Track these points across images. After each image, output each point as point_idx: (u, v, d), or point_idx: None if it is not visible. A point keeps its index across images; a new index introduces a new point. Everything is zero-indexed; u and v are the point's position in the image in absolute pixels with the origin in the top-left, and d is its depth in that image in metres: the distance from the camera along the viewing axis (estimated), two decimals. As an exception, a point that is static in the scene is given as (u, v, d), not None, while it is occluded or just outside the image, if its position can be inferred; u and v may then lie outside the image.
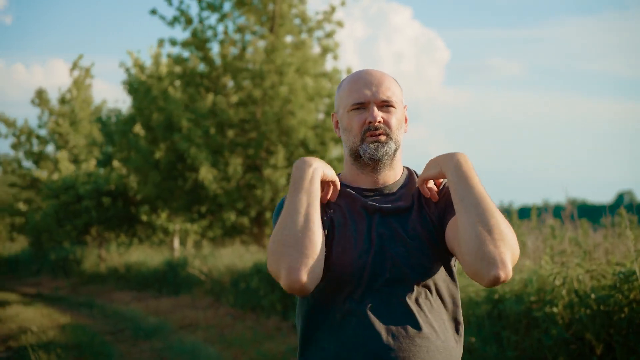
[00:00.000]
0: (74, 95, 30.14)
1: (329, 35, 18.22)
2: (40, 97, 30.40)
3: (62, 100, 30.00)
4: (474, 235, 2.35)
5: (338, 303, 2.53)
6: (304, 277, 2.40)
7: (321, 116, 17.85)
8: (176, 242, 22.81)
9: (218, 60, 18.00)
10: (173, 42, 18.03)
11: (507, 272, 2.32)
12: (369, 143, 2.63)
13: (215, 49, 18.85)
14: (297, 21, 18.09)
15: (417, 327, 2.47)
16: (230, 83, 18.24)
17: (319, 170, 2.57)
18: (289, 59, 16.80)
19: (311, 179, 2.54)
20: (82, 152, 28.93)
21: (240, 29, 17.68)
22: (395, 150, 2.67)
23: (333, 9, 18.07)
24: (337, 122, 2.79)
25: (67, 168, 26.17)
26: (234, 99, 17.93)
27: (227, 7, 18.07)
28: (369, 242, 2.55)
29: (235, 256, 15.38)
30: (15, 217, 30.81)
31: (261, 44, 17.73)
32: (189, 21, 17.93)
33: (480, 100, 72.84)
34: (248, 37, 17.83)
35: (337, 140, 17.23)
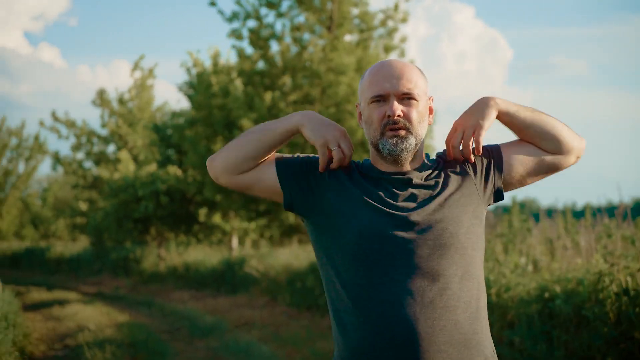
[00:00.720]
0: (133, 96, 30.42)
1: (391, 32, 17.99)
2: (101, 98, 30.71)
3: (120, 101, 30.29)
4: (557, 127, 2.68)
5: None
6: (217, 162, 2.70)
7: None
8: (234, 242, 22.87)
9: (278, 58, 17.95)
10: (238, 36, 18.00)
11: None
12: (388, 138, 2.60)
13: (274, 47, 18.79)
14: (356, 21, 17.91)
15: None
16: (288, 82, 18.18)
17: (302, 127, 2.65)
18: (347, 59, 16.66)
19: (287, 131, 2.67)
20: (141, 152, 29.19)
21: (298, 28, 17.61)
22: (416, 145, 2.63)
23: (396, 7, 17.85)
24: (360, 114, 2.75)
25: (127, 168, 26.43)
26: (292, 97, 17.87)
27: (285, 5, 17.99)
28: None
29: (292, 256, 15.35)
30: (76, 217, 31.25)
31: (320, 42, 17.63)
32: (247, 16, 17.90)
33: (543, 99, 71.86)
34: (306, 35, 17.75)
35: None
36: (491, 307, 7.20)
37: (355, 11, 17.78)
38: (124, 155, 26.96)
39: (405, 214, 2.53)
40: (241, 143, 2.68)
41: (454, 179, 2.64)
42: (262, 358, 9.18)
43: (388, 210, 2.54)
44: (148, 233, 24.64)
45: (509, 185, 2.73)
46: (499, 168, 2.69)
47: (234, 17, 18.05)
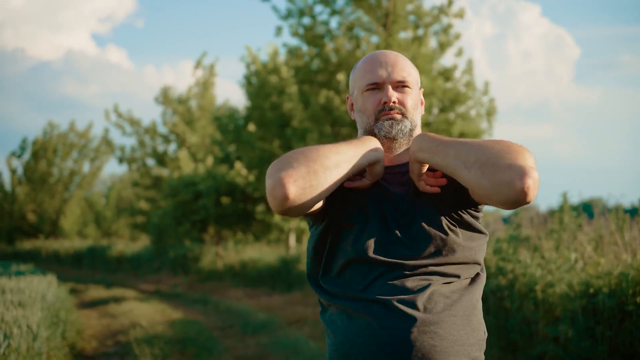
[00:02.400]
0: (193, 94, 30.63)
1: (446, 29, 17.74)
2: (164, 96, 30.93)
3: (180, 100, 30.52)
4: (483, 162, 2.26)
5: None
6: (290, 186, 2.27)
7: (435, 112, 17.37)
8: (292, 240, 22.88)
9: (333, 56, 17.85)
10: (294, 32, 17.98)
11: (533, 176, 2.18)
12: (383, 121, 2.56)
13: (329, 44, 18.69)
14: (412, 17, 17.71)
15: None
16: (343, 79, 18.08)
17: (377, 157, 2.46)
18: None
19: (368, 156, 2.45)
20: (199, 150, 29.38)
21: (352, 25, 17.50)
22: (411, 130, 2.59)
23: (450, 2, 17.59)
24: (351, 105, 2.73)
25: (187, 166, 26.65)
26: (347, 95, 17.73)
27: (340, 2, 17.88)
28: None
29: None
30: (137, 216, 31.62)
31: (374, 39, 17.49)
32: (301, 13, 17.84)
33: (610, 98, 70.69)
34: (360, 33, 17.61)
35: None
36: (536, 303, 7.09)
37: (410, 7, 17.58)
38: (183, 154, 27.18)
39: (397, 222, 2.47)
40: (326, 179, 2.36)
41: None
42: (310, 355, 9.14)
43: (385, 224, 2.47)
44: (206, 232, 24.79)
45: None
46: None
47: (288, 14, 18.02)
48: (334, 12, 17.64)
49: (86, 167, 44.23)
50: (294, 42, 18.31)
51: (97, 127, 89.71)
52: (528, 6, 78.63)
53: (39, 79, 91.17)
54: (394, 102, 2.55)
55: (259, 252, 21.62)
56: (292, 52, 18.23)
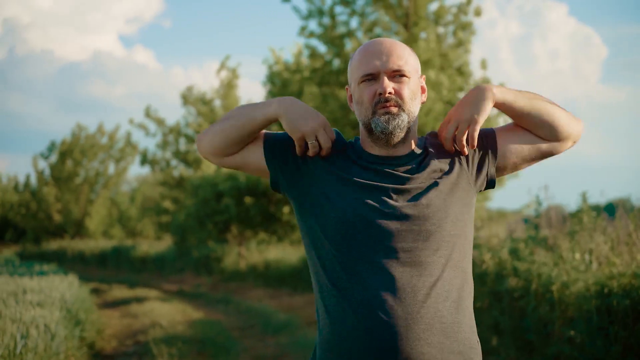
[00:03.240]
0: (217, 96, 30.69)
1: (465, 27, 17.66)
2: (186, 96, 30.94)
3: (203, 101, 30.58)
4: (555, 114, 2.60)
5: None
6: (204, 144, 2.69)
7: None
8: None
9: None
10: (311, 33, 18.01)
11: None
12: (380, 116, 2.53)
13: (349, 45, 18.68)
14: (432, 17, 17.64)
15: None
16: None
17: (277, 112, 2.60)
18: (424, 56, 16.44)
19: (266, 119, 2.62)
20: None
21: (371, 25, 17.46)
22: (409, 123, 2.57)
23: (469, 1, 17.50)
24: (350, 97, 2.70)
25: (209, 167, 26.72)
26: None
27: (360, 2, 17.84)
28: None
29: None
30: (161, 216, 31.73)
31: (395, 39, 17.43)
32: (320, 13, 17.85)
33: (638, 98, 70.02)
34: (380, 32, 17.57)
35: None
36: (552, 303, 7.06)
37: (431, 7, 17.52)
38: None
39: (390, 201, 2.48)
40: (223, 128, 2.65)
41: (444, 166, 2.59)
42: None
43: (373, 196, 2.50)
44: (229, 232, 24.84)
45: (502, 171, 2.67)
46: (494, 157, 2.64)
47: (309, 15, 18.05)
48: (354, 13, 17.64)
49: (111, 168, 44.51)
50: (313, 42, 18.26)
51: (124, 128, 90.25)
52: (555, 6, 78.10)
53: (67, 80, 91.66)
54: (389, 93, 2.52)
55: (282, 253, 21.64)
56: (312, 52, 18.26)
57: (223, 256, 23.76)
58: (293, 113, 2.58)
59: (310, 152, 2.59)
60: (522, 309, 7.68)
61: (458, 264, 2.50)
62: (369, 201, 2.48)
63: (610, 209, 10.20)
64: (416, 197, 2.48)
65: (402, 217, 2.45)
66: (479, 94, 2.59)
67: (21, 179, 52.99)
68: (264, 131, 2.72)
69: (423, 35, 17.50)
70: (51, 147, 43.52)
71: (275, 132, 2.73)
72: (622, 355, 5.82)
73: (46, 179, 44.16)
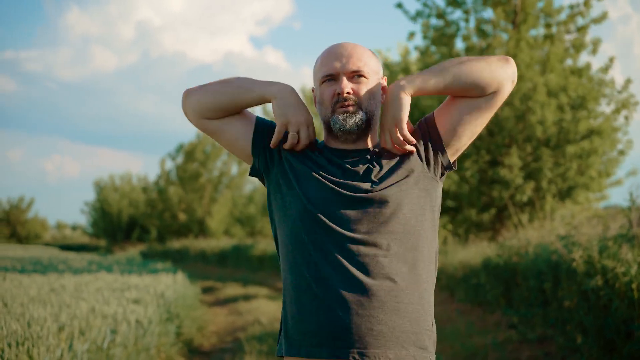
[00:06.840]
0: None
1: (581, 30, 17.23)
2: (302, 92, 31.23)
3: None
4: (473, 72, 2.61)
5: None
6: (190, 100, 2.77)
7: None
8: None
9: (462, 56, 17.65)
10: (425, 36, 18.03)
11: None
12: (338, 114, 2.66)
13: (459, 44, 18.58)
14: (542, 15, 17.28)
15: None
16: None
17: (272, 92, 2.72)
18: (531, 55, 16.20)
19: (261, 98, 2.74)
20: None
21: (480, 26, 17.28)
22: (367, 121, 2.69)
23: (587, 3, 17.01)
24: (314, 98, 2.82)
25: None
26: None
27: (469, 2, 17.71)
28: None
29: (470, 252, 15.17)
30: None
31: (504, 37, 17.23)
32: (431, 15, 17.82)
33: None
34: (490, 31, 17.39)
35: (584, 136, 16.16)
36: (632, 302, 6.95)
37: (540, 4, 17.20)
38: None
39: (349, 192, 2.60)
40: (216, 90, 2.75)
41: (399, 158, 2.69)
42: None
43: (333, 185, 2.62)
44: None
45: (458, 142, 2.73)
46: (439, 139, 2.72)
47: (417, 15, 18.06)
48: (465, 12, 17.55)
49: (234, 168, 45.41)
50: (423, 43, 18.25)
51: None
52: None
53: (199, 81, 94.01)
54: (347, 93, 2.64)
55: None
56: (423, 52, 18.26)
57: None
58: (287, 101, 2.71)
59: (287, 144, 2.72)
60: (606, 307, 7.56)
61: (418, 247, 2.60)
62: (327, 192, 2.60)
63: None
64: (374, 185, 2.59)
65: (360, 206, 2.57)
66: (390, 94, 2.69)
67: (151, 180, 54.64)
68: (255, 115, 2.87)
69: (533, 32, 17.23)
70: (179, 148, 44.77)
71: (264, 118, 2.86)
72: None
73: (172, 179, 45.43)
